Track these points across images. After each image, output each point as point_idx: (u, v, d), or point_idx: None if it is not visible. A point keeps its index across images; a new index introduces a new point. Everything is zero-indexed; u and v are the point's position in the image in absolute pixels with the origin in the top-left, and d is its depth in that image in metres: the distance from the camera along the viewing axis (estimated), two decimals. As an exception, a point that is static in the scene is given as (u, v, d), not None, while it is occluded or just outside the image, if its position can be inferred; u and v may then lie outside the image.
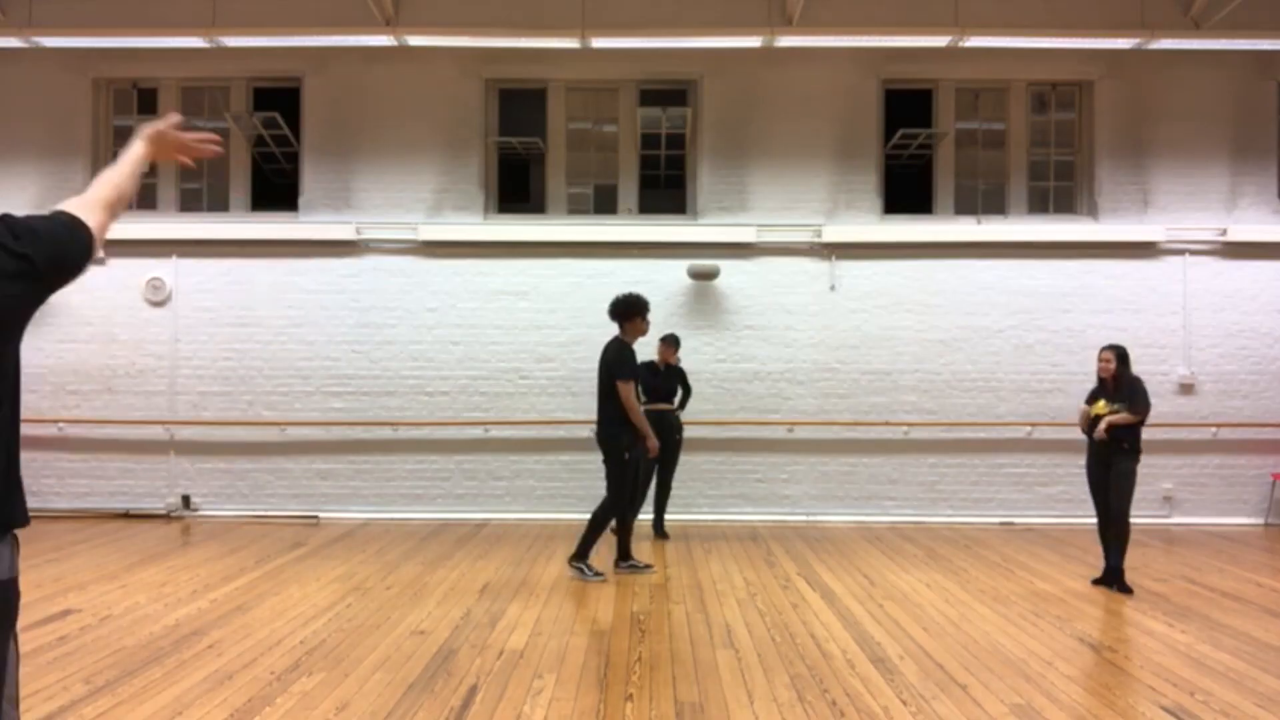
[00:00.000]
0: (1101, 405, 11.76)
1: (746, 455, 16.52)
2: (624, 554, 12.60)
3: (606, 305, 16.52)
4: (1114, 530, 11.64)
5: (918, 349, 16.57)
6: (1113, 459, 11.63)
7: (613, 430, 12.16)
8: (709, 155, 16.80)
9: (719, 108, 16.79)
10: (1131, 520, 11.70)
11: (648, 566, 12.64)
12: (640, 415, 12.11)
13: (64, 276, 3.52)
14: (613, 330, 16.59)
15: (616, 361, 12.30)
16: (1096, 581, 12.04)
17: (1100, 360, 11.91)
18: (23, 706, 6.88)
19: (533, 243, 16.70)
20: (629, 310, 12.53)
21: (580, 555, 12.15)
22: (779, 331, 16.61)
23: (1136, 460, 11.66)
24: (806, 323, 16.56)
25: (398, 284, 16.72)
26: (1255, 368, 16.65)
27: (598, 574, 12.03)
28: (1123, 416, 11.50)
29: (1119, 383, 11.73)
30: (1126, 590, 11.49)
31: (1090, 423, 11.94)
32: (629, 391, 12.01)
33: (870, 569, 12.69)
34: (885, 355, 16.59)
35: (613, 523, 12.47)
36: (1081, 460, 12.39)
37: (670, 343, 14.94)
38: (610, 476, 12.19)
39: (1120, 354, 11.83)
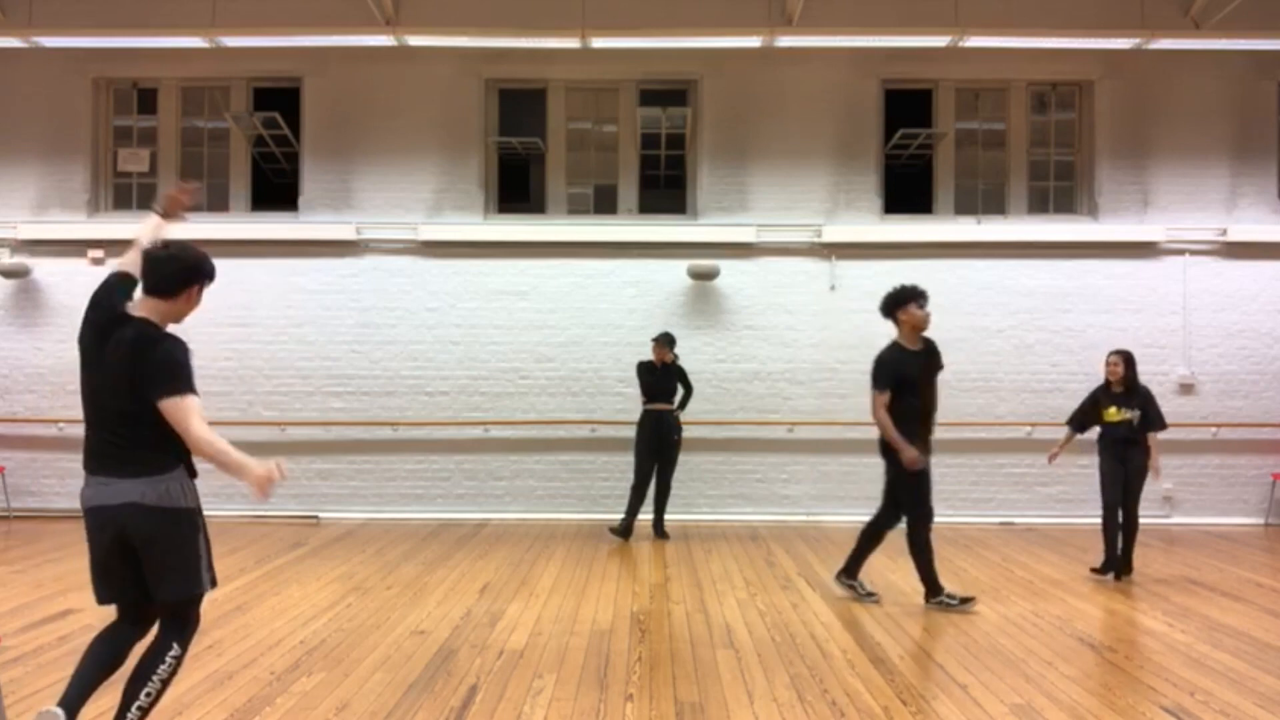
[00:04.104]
0: (1113, 411, 12.13)
1: (746, 455, 16.54)
2: (851, 570, 11.42)
3: (603, 305, 16.74)
4: (1128, 525, 12.30)
5: (918, 349, 16.57)
6: (1129, 455, 11.93)
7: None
8: (709, 155, 16.82)
9: (719, 107, 16.81)
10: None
11: (870, 595, 11.22)
12: (889, 428, 10.75)
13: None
14: (613, 332, 16.72)
15: (874, 366, 11.08)
16: (1096, 570, 12.30)
17: (1108, 364, 12.36)
18: (23, 707, 6.96)
19: (533, 243, 16.74)
20: (894, 301, 11.05)
21: (933, 591, 10.88)
22: (779, 331, 16.62)
23: (1148, 458, 12.33)
24: (807, 323, 16.57)
25: (398, 284, 16.75)
26: (1255, 368, 16.65)
27: (870, 594, 11.08)
28: (1155, 443, 12.32)
29: (1128, 387, 12.06)
30: (1127, 574, 12.23)
31: (1104, 425, 12.29)
32: (877, 403, 10.78)
33: (870, 569, 12.61)
34: (885, 355, 16.58)
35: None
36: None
37: (663, 342, 14.90)
38: (889, 486, 11.04)
39: (1128, 358, 12.33)
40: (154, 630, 6.20)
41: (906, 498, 10.83)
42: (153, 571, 6.00)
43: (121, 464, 5.91)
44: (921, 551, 10.84)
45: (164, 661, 5.99)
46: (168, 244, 6.20)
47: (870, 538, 11.22)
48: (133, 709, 5.86)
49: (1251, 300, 16.67)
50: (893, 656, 8.77)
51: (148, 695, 5.91)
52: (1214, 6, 15.62)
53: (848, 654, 8.86)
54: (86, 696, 5.93)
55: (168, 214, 6.76)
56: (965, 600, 10.73)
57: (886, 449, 10.86)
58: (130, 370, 5.86)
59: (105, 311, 6.10)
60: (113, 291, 6.19)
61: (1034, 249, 16.69)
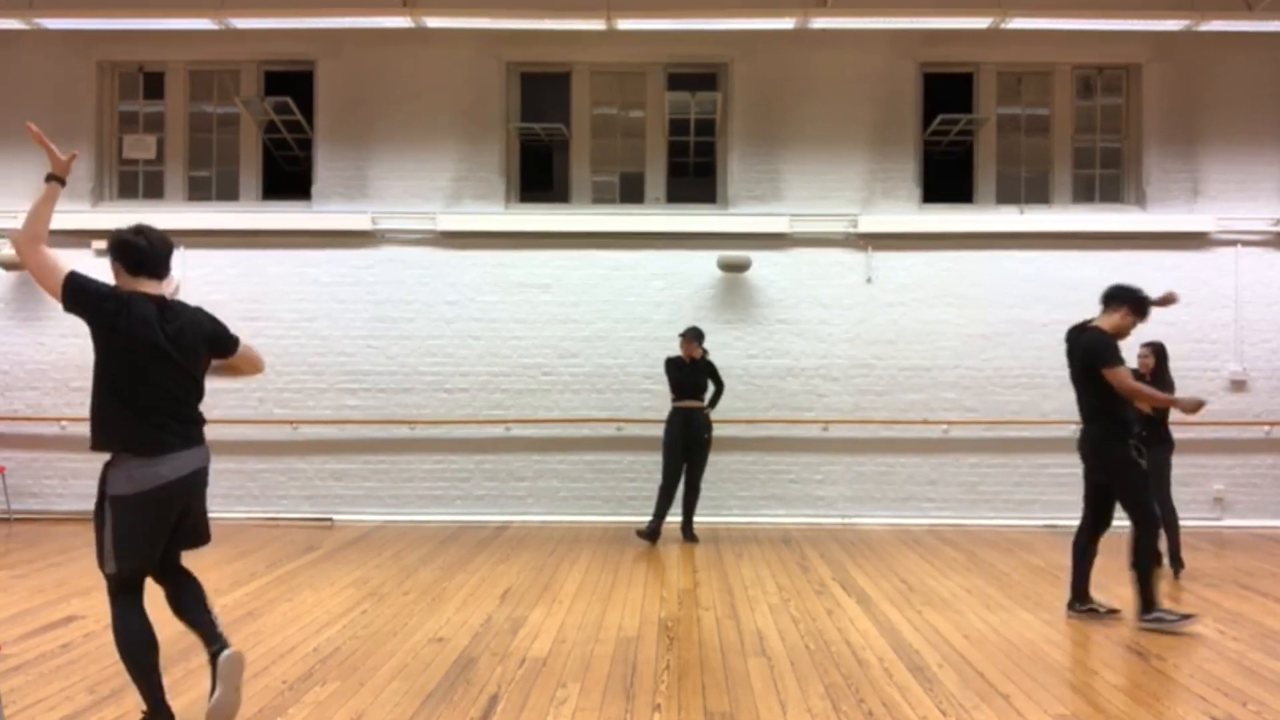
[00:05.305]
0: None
1: (779, 455, 16.67)
2: (1081, 596, 10.79)
3: (629, 298, 16.76)
4: (1166, 519, 12.23)
5: (958, 344, 16.63)
6: (1148, 450, 11.96)
7: (1109, 435, 10.39)
8: (740, 142, 16.95)
9: (750, 92, 16.92)
10: (1180, 522, 12.44)
11: (1112, 612, 10.65)
12: (1153, 392, 10.74)
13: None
14: (640, 327, 16.73)
15: (1096, 348, 10.38)
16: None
17: (1139, 357, 12.40)
18: (24, 718, 7.10)
19: (556, 233, 16.93)
20: (1134, 303, 10.61)
21: (1149, 607, 10.18)
22: (813, 326, 16.75)
23: (1170, 450, 12.71)
24: (842, 317, 16.67)
25: (415, 276, 16.92)
26: (1311, 364, 16.66)
27: (1185, 616, 10.22)
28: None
29: (1155, 380, 12.16)
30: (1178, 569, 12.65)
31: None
32: (1122, 375, 10.15)
33: (908, 573, 12.74)
34: (924, 350, 16.72)
35: None
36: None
37: (692, 337, 14.98)
38: (1126, 494, 10.38)
39: (1158, 351, 12.54)
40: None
41: (1136, 500, 10.34)
42: (195, 524, 7.15)
43: (189, 436, 6.90)
44: (1148, 561, 10.26)
45: (200, 584, 7.22)
46: (141, 229, 6.96)
47: (1085, 553, 10.80)
48: (215, 618, 7.10)
49: (1306, 293, 16.69)
50: (932, 665, 8.77)
51: (210, 605, 7.16)
52: (1268, -14, 15.62)
53: (885, 662, 8.86)
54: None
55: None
56: (1185, 615, 10.27)
57: (1100, 451, 10.52)
58: (209, 342, 7.08)
59: (130, 299, 6.74)
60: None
61: (1079, 240, 16.83)
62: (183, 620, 7.14)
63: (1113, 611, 10.65)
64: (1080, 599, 10.75)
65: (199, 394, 7.08)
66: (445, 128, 16.99)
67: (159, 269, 6.93)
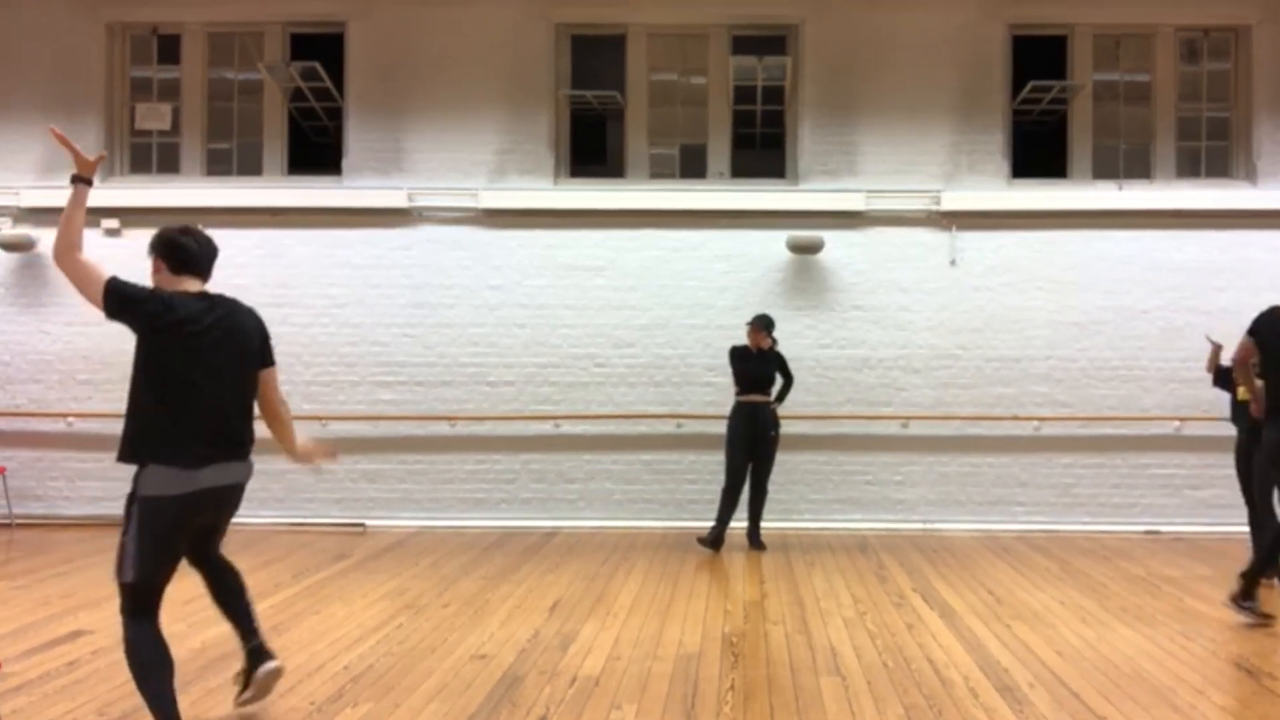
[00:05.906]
0: (1243, 391, 12.08)
1: (854, 454, 16.61)
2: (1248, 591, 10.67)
3: (690, 282, 16.63)
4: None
5: (1050, 333, 16.48)
6: (1253, 446, 11.74)
7: None
8: (811, 111, 16.90)
9: (823, 56, 16.85)
10: None
11: (1267, 616, 10.54)
12: None
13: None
14: (702, 314, 16.58)
15: None
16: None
17: (1240, 346, 12.11)
18: (28, 742, 6.88)
19: (610, 211, 16.91)
20: None
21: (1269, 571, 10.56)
22: (892, 313, 16.68)
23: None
24: (923, 303, 16.58)
25: (455, 258, 16.89)
26: None
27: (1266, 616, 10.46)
28: None
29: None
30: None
31: (1234, 407, 12.57)
32: None
33: (996, 584, 12.68)
34: (1013, 340, 16.60)
35: None
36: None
37: (760, 325, 14.89)
38: None
39: None
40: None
41: None
42: (218, 533, 7.64)
43: (237, 446, 7.19)
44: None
45: (240, 575, 7.76)
46: (189, 229, 7.29)
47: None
48: (253, 612, 7.69)
49: None
50: (1022, 684, 8.62)
51: (249, 598, 7.76)
52: (1395, -62, 15.39)
53: (970, 681, 8.75)
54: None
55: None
56: (1266, 616, 10.43)
57: None
58: (262, 343, 7.46)
59: (172, 300, 6.97)
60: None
61: (1183, 218, 16.71)
62: (220, 610, 7.63)
63: (1267, 617, 10.46)
64: (1247, 595, 10.55)
65: (249, 403, 7.37)
66: (489, 96, 16.95)
67: (205, 270, 7.21)
